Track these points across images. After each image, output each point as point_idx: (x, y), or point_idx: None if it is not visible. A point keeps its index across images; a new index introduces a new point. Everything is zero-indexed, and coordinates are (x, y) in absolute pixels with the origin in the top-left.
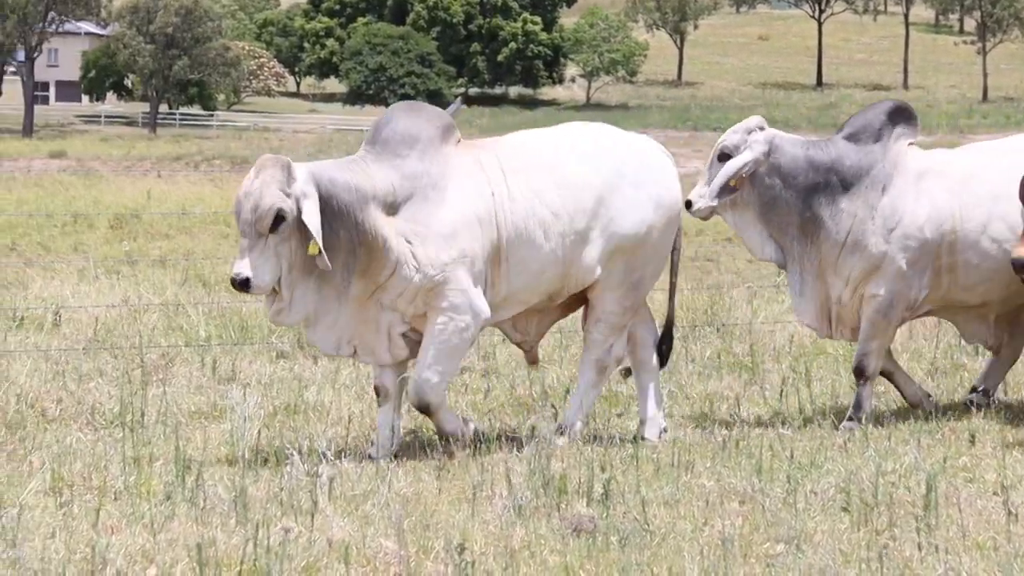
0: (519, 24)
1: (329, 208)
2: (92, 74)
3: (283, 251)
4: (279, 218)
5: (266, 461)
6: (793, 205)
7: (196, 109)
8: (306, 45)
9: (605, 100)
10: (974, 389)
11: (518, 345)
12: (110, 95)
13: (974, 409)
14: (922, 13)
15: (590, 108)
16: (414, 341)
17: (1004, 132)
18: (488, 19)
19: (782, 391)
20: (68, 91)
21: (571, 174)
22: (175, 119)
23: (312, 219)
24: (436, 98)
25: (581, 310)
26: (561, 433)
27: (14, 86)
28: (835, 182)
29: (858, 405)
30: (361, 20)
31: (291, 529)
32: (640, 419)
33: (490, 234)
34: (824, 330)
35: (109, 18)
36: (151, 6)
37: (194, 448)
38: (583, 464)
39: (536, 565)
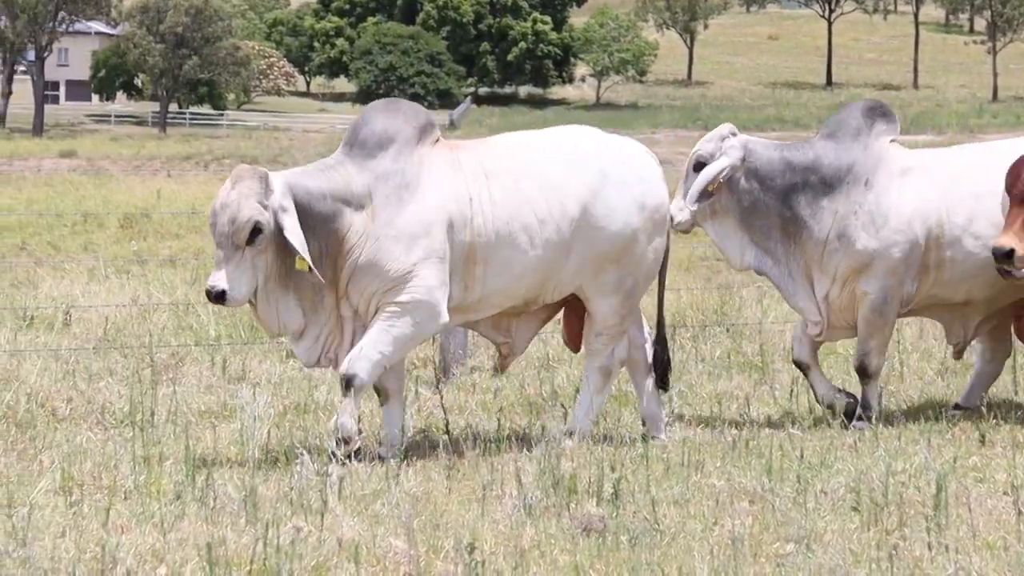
0: (529, 24)
1: (305, 220)
2: (102, 74)
3: (259, 263)
4: (256, 230)
5: (276, 460)
6: (773, 207)
7: (206, 109)
8: (316, 44)
9: (615, 100)
10: (957, 406)
11: (498, 347)
12: (120, 95)
13: (983, 410)
14: (932, 13)
15: (600, 108)
16: None
17: (1014, 132)
18: (498, 19)
19: (792, 391)
20: (78, 90)
21: (556, 177)
22: (185, 119)
23: (295, 236)
24: (446, 98)
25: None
26: (568, 437)
27: (24, 85)
28: (814, 181)
29: (866, 404)
30: (371, 20)
31: (301, 528)
32: (642, 419)
33: (462, 236)
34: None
35: (119, 18)
36: (161, 6)
37: (204, 447)
38: (593, 464)
39: (546, 565)
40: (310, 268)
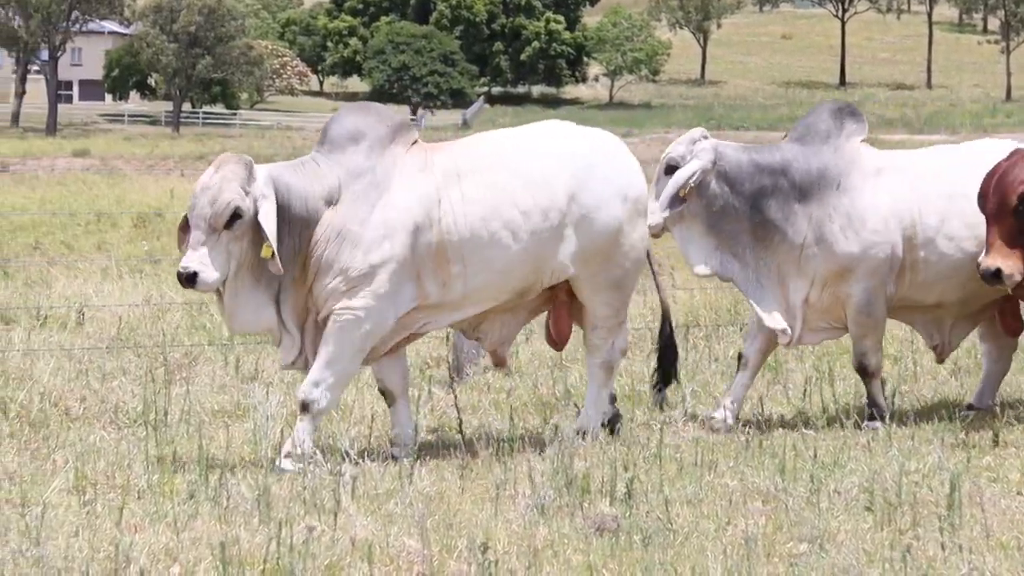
0: (542, 23)
1: (283, 215)
2: (115, 73)
3: (234, 250)
4: (235, 215)
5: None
6: (742, 211)
7: (219, 108)
8: (329, 44)
9: (628, 99)
10: (969, 407)
11: (486, 348)
12: (133, 94)
13: (996, 409)
14: (946, 12)
15: (613, 107)
16: None
17: None
18: (511, 18)
19: (805, 391)
20: (91, 90)
21: (537, 171)
22: (198, 118)
23: (268, 221)
24: (459, 97)
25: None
26: (581, 436)
27: (38, 85)
28: (785, 185)
29: (873, 402)
30: (384, 19)
31: (314, 528)
32: (586, 401)
33: (428, 237)
34: (792, 333)
35: (132, 17)
36: (174, 5)
37: (217, 447)
38: (606, 463)
39: (559, 564)
40: (273, 254)
